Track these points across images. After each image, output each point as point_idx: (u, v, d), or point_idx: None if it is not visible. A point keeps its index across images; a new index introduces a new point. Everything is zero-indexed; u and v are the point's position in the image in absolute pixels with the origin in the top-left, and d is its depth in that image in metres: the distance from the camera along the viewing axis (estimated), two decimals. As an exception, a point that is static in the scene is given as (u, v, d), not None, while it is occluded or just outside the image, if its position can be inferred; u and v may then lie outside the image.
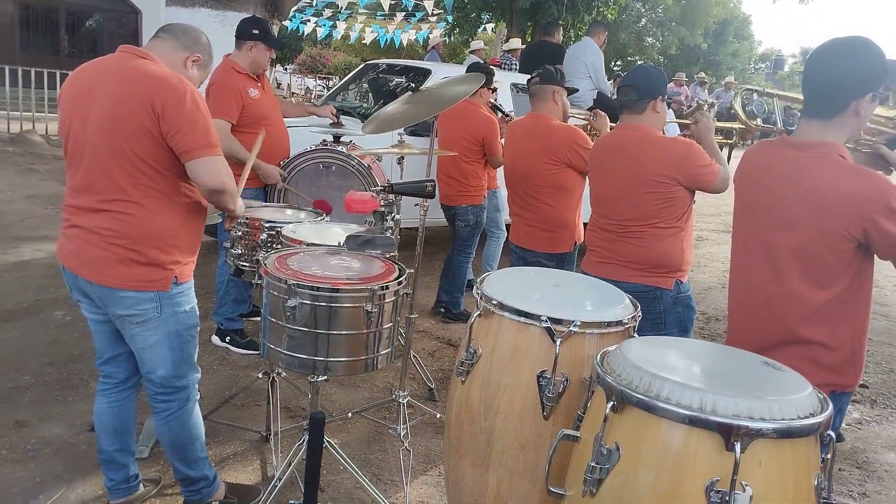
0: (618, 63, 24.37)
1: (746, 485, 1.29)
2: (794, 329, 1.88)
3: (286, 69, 25.69)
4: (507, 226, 4.36)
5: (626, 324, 1.85)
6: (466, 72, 3.94)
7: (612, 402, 1.43)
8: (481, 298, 1.92)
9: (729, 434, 1.29)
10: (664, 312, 2.75)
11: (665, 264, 2.72)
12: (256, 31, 3.72)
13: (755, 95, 2.59)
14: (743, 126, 2.73)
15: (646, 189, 2.66)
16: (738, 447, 1.28)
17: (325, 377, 2.22)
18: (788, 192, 1.88)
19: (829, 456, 1.41)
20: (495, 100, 4.88)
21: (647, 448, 1.37)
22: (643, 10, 24.26)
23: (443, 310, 4.80)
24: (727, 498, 1.28)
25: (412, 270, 2.60)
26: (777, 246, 1.91)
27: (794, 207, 1.86)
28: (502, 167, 3.85)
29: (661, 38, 24.64)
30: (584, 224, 3.28)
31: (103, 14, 15.94)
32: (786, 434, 1.31)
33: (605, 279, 2.30)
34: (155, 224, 2.09)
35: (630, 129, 2.78)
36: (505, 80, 6.10)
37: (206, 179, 2.06)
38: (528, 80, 3.71)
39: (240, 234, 2.86)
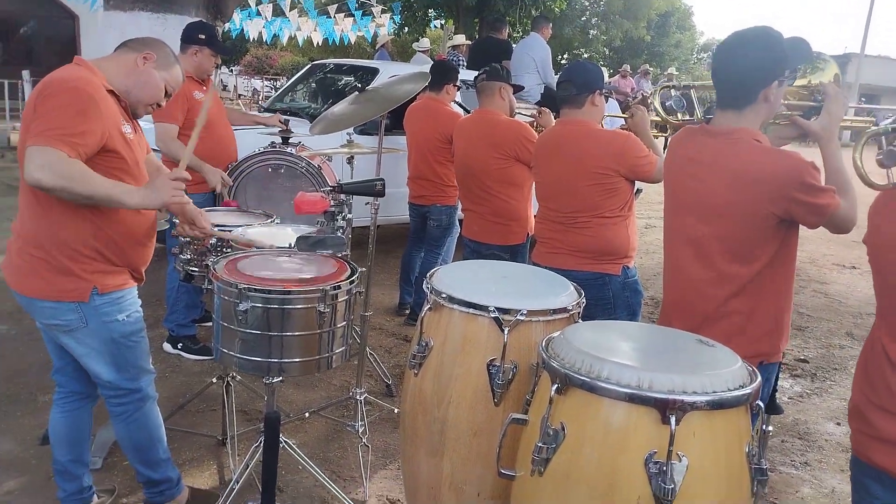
0: (565, 57, 24.73)
1: (682, 455, 1.37)
2: (721, 305, 1.96)
3: (232, 70, 25.19)
4: (460, 221, 4.41)
5: (571, 310, 1.92)
6: (430, 71, 3.93)
7: (556, 385, 1.49)
8: (431, 292, 1.97)
9: (665, 408, 1.37)
10: (613, 298, 2.83)
11: (612, 252, 2.81)
12: (203, 37, 3.69)
13: (673, 91, 2.66)
14: (664, 123, 2.82)
15: (589, 181, 2.74)
16: (673, 420, 1.36)
17: (280, 378, 2.23)
18: (709, 177, 1.96)
19: (760, 425, 1.50)
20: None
21: (591, 426, 1.44)
22: (587, 3, 24.63)
23: (407, 311, 4.73)
24: (664, 468, 1.36)
25: (364, 269, 2.63)
26: (703, 229, 1.98)
27: (716, 192, 1.94)
28: (453, 163, 3.89)
29: (605, 31, 25.04)
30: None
31: (39, 20, 15.38)
32: (717, 405, 1.40)
33: (556, 269, 2.37)
34: (63, 229, 2.02)
35: (570, 123, 2.85)
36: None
37: (26, 167, 1.89)
38: (475, 78, 3.77)
39: (188, 239, 2.83)
